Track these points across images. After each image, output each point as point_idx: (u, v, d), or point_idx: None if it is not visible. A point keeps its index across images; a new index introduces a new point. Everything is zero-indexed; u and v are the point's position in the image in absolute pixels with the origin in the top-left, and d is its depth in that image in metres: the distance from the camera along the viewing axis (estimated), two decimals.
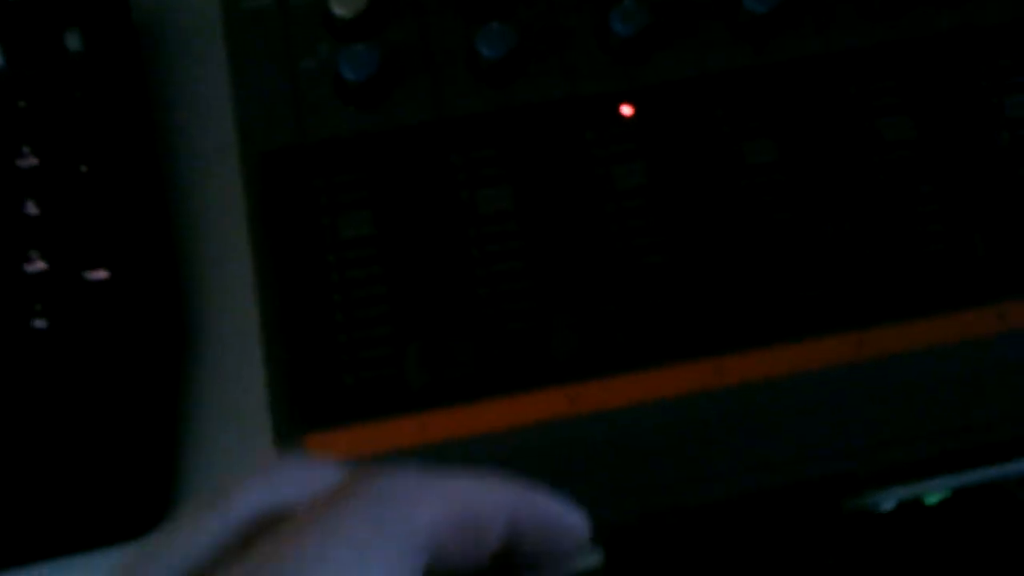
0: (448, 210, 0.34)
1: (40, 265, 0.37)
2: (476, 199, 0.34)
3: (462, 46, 0.36)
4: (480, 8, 0.36)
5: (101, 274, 0.37)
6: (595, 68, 0.36)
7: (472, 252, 0.34)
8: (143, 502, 0.36)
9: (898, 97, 0.35)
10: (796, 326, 0.33)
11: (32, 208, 0.38)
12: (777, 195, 0.34)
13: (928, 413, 0.33)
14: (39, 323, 0.37)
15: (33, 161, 0.39)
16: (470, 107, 0.35)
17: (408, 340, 0.33)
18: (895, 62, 0.36)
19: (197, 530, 0.19)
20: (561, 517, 0.21)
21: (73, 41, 0.40)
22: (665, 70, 0.36)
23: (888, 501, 0.38)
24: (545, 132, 0.35)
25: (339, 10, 0.35)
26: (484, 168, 0.34)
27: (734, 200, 0.34)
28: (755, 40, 0.36)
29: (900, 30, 0.36)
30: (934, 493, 0.39)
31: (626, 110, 0.35)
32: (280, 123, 0.35)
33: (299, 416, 0.32)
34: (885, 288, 0.33)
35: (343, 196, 0.34)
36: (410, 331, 0.33)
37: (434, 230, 0.34)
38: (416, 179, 0.34)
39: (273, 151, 0.35)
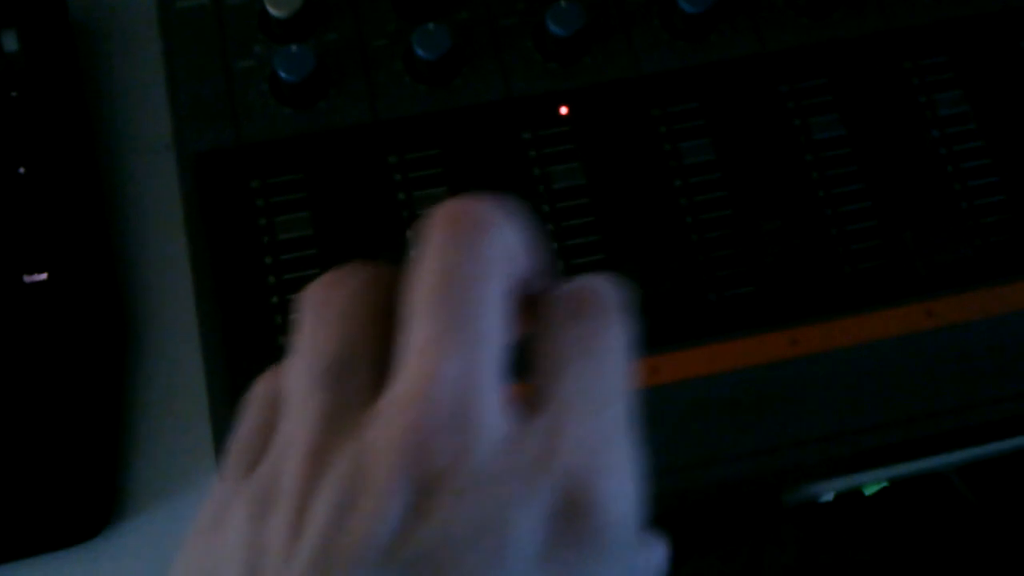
0: (386, 211, 0.34)
1: None
2: (413, 200, 0.34)
3: (399, 46, 0.36)
4: (416, 9, 0.36)
5: (40, 276, 0.37)
6: (532, 68, 0.36)
7: (409, 254, 0.34)
8: (87, 506, 0.36)
9: (828, 95, 0.36)
10: (721, 325, 0.33)
11: None
12: (712, 193, 0.34)
13: (865, 406, 0.34)
14: None
15: None
16: (407, 108, 0.35)
17: None
18: (826, 61, 0.36)
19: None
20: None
21: (9, 41, 0.39)
22: (600, 70, 0.36)
23: (827, 493, 0.39)
24: (482, 132, 0.35)
25: (274, 10, 0.35)
26: (421, 169, 0.35)
27: (669, 199, 0.34)
28: (690, 40, 0.36)
29: (829, 30, 0.37)
30: (872, 484, 0.40)
31: (563, 110, 0.35)
32: (216, 123, 0.35)
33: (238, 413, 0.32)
34: (815, 286, 0.34)
35: (280, 197, 0.34)
36: None
37: (372, 231, 0.34)
38: (354, 180, 0.34)
39: (208, 152, 0.34)
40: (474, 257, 0.20)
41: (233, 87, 0.35)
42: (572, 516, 0.19)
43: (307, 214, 0.34)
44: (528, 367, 0.21)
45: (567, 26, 0.35)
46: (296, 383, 0.21)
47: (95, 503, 0.36)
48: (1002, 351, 0.34)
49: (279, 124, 0.35)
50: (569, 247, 0.34)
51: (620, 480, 0.20)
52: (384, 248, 0.34)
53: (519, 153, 0.35)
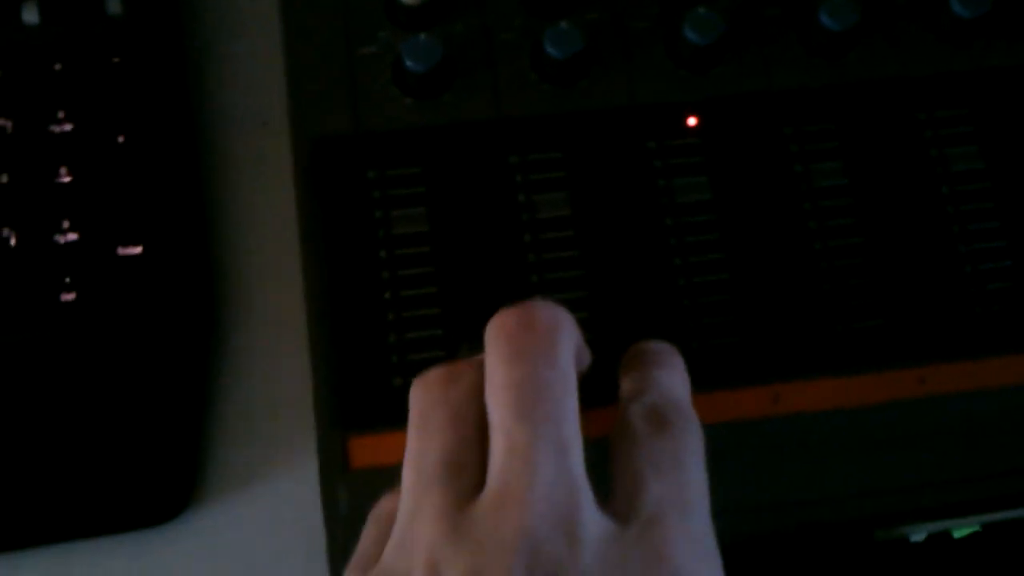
0: (504, 212, 0.33)
1: (71, 236, 0.36)
2: (533, 202, 0.33)
3: (527, 43, 0.35)
4: (548, 6, 0.35)
5: (134, 249, 0.36)
6: (661, 76, 0.35)
7: (527, 256, 0.33)
8: (166, 487, 0.35)
9: (968, 126, 0.35)
10: (855, 360, 0.32)
11: (65, 176, 0.37)
12: (843, 220, 0.33)
13: (967, 456, 0.33)
14: (67, 296, 0.36)
15: (67, 127, 0.37)
16: (532, 107, 0.34)
17: (459, 342, 0.32)
18: (966, 91, 0.35)
19: None
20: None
21: (113, 4, 0.38)
22: (733, 83, 0.35)
23: (919, 534, 0.38)
24: (606, 138, 0.34)
25: None
26: (543, 171, 0.33)
27: (798, 221, 0.33)
28: (828, 58, 0.35)
29: (972, 59, 0.35)
30: (964, 528, 0.39)
31: (691, 121, 0.34)
32: (335, 109, 0.34)
33: (344, 417, 0.31)
34: (944, 325, 0.33)
35: (397, 190, 0.33)
36: (461, 333, 0.32)
37: (489, 231, 0.33)
38: (473, 178, 0.33)
39: (327, 138, 0.33)
40: (556, 366, 0.23)
41: (355, 73, 0.34)
42: None
43: (423, 209, 0.33)
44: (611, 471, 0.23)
45: (705, 34, 0.34)
46: (412, 485, 0.23)
47: (175, 485, 0.35)
48: (993, 425, 0.32)
49: (400, 114, 0.34)
50: (692, 264, 0.33)
51: None
52: (499, 249, 0.33)
53: (643, 162, 0.34)
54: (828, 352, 0.32)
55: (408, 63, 0.33)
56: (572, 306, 0.32)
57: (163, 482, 0.35)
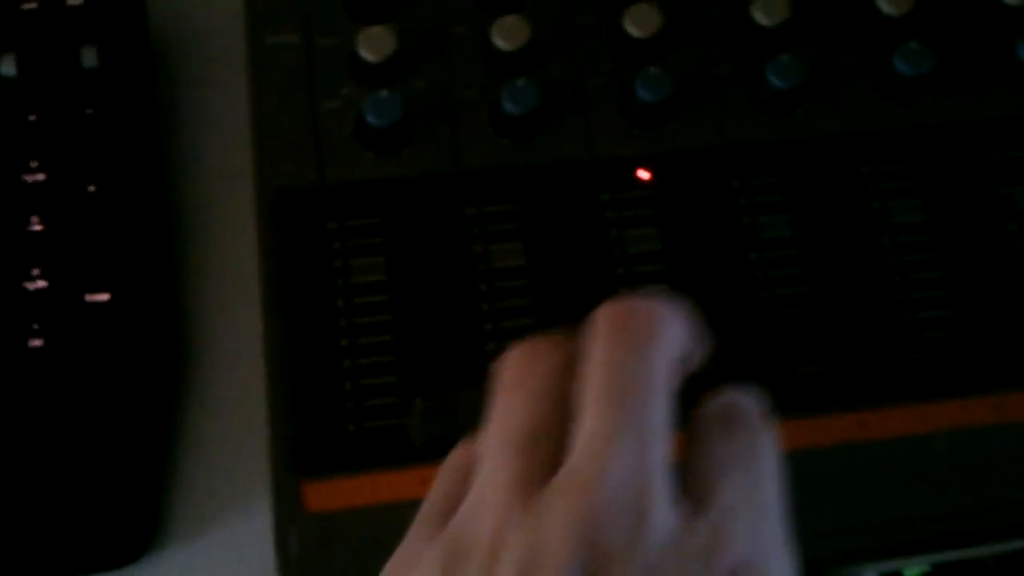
0: (461, 262, 0.34)
1: (41, 283, 0.37)
2: (489, 253, 0.34)
3: (486, 99, 0.36)
4: (507, 63, 0.36)
5: (102, 296, 0.37)
6: (615, 131, 0.36)
7: (482, 306, 0.34)
8: (128, 531, 0.36)
9: (910, 181, 0.36)
10: (795, 403, 0.33)
11: (36, 224, 0.38)
12: (789, 270, 0.34)
13: (916, 497, 0.34)
14: (36, 342, 0.36)
15: (40, 176, 0.38)
16: (489, 160, 0.35)
17: (413, 392, 0.33)
18: (909, 146, 0.36)
19: None
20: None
21: (89, 57, 0.39)
22: (684, 138, 0.36)
23: (870, 573, 0.38)
24: (561, 191, 0.35)
25: (366, 54, 0.35)
26: (498, 223, 0.35)
27: (744, 271, 0.34)
28: (776, 114, 0.36)
29: (915, 115, 0.37)
30: (914, 567, 0.39)
31: (643, 175, 0.35)
32: (298, 161, 0.35)
33: (299, 462, 0.32)
34: (885, 371, 0.34)
35: (357, 241, 0.34)
36: (416, 383, 0.33)
37: (446, 282, 0.34)
38: (431, 229, 0.34)
39: (290, 189, 0.34)
40: (650, 360, 0.23)
41: (318, 127, 0.35)
42: None
43: (382, 259, 0.34)
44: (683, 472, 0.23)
45: (656, 92, 0.35)
46: (493, 448, 0.23)
47: (137, 528, 0.36)
48: (933, 468, 0.33)
49: (361, 167, 0.35)
50: None
51: (784, 573, 0.23)
52: (455, 299, 0.34)
53: (596, 214, 0.35)
54: (771, 397, 0.33)
55: (370, 118, 0.34)
56: None
57: (125, 526, 0.36)
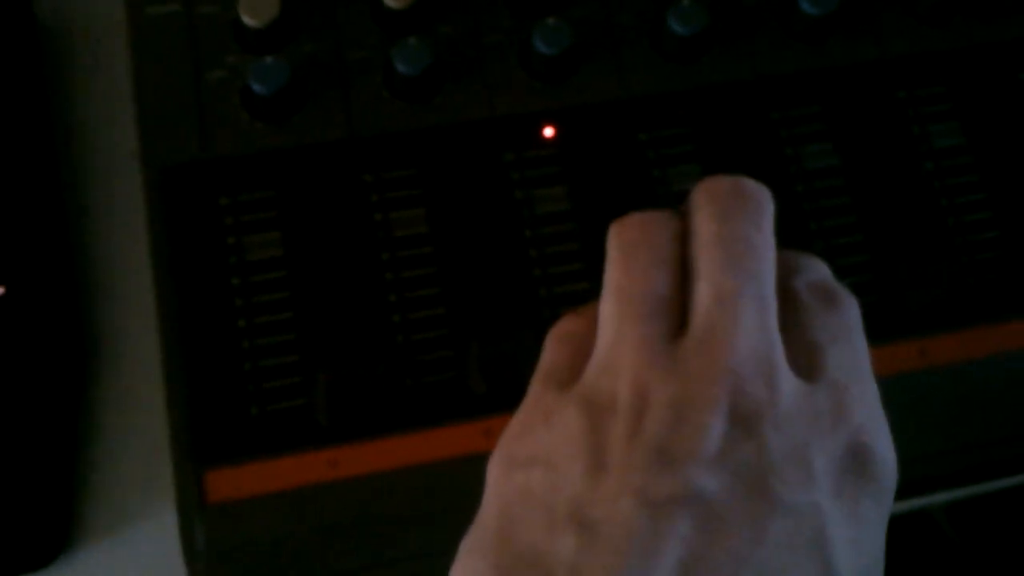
0: (361, 233, 0.33)
1: None
2: (390, 221, 0.33)
3: (378, 60, 0.34)
4: (397, 22, 0.34)
5: None
6: (516, 88, 0.34)
7: (385, 277, 0.32)
8: (41, 532, 0.34)
9: (821, 123, 0.35)
10: None
11: None
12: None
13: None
14: None
15: None
16: (385, 125, 0.34)
17: (316, 370, 0.31)
18: (819, 89, 0.35)
19: None
20: None
21: None
22: (587, 92, 0.35)
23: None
24: (462, 153, 0.34)
25: (249, 19, 0.33)
26: (398, 189, 0.33)
27: None
28: (681, 62, 0.35)
29: (824, 58, 0.36)
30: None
31: (547, 131, 0.34)
32: (184, 136, 0.33)
33: (200, 450, 0.30)
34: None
35: (250, 215, 0.32)
36: (319, 361, 0.31)
37: (346, 253, 0.32)
38: (327, 199, 0.33)
39: (176, 165, 0.33)
40: (762, 231, 0.24)
41: (203, 99, 0.34)
42: (859, 463, 0.23)
43: (277, 234, 0.32)
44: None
45: (555, 45, 0.33)
46: (618, 315, 0.24)
47: (49, 530, 0.35)
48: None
49: (251, 139, 0.33)
50: (552, 275, 0.33)
51: (888, 441, 0.24)
52: (357, 271, 0.32)
53: (501, 175, 0.34)
54: None
55: (256, 86, 0.33)
56: (428, 324, 0.31)
57: (37, 527, 0.34)
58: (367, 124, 0.34)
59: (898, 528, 0.40)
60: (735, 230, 0.24)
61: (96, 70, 0.40)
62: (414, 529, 0.30)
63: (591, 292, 0.32)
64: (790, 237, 0.32)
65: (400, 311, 0.32)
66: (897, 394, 0.32)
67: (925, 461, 0.32)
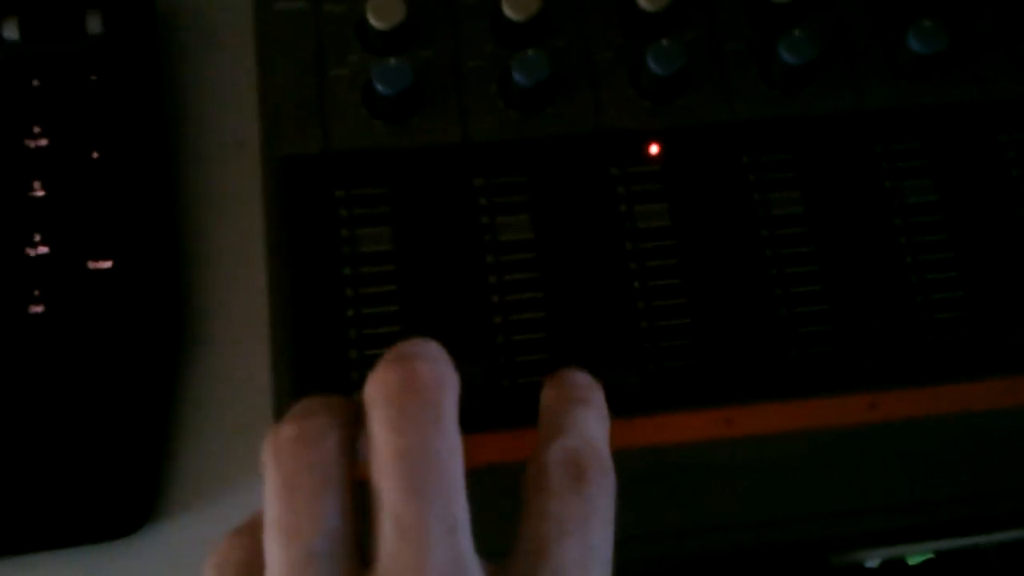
0: (467, 234, 0.34)
1: (42, 249, 0.37)
2: (496, 225, 0.34)
3: (495, 70, 0.35)
4: (517, 33, 0.35)
5: (104, 264, 0.37)
6: (626, 104, 0.35)
7: (488, 279, 0.33)
8: (129, 500, 0.35)
9: (922, 160, 0.36)
10: (807, 384, 0.33)
11: (39, 190, 0.37)
12: (800, 248, 0.34)
13: (922, 481, 0.33)
14: (36, 308, 0.36)
15: (43, 142, 0.38)
16: (498, 133, 0.35)
17: None
18: (921, 125, 0.36)
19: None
20: None
21: (93, 23, 0.39)
22: (694, 113, 0.36)
23: (874, 559, 0.38)
24: (570, 164, 0.35)
25: (375, 22, 0.34)
26: (505, 195, 0.34)
27: (754, 248, 0.34)
28: (787, 91, 0.36)
29: (928, 95, 0.36)
30: (918, 555, 0.39)
31: (653, 149, 0.35)
32: (305, 129, 0.34)
33: None
34: (896, 352, 0.33)
35: (364, 209, 0.34)
36: None
37: (452, 252, 0.33)
38: (438, 199, 0.34)
39: (296, 156, 0.34)
40: (444, 432, 0.22)
41: (325, 94, 0.35)
42: None
43: (388, 229, 0.33)
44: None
45: (667, 65, 0.34)
46: (287, 561, 0.21)
47: (137, 498, 0.36)
48: (940, 453, 0.33)
49: (368, 136, 0.34)
50: (651, 288, 0.34)
51: None
52: (461, 270, 0.33)
53: (606, 188, 0.35)
54: (781, 376, 0.33)
55: (378, 86, 0.34)
56: (530, 327, 0.32)
57: (126, 495, 0.35)
58: (480, 130, 0.35)
59: (956, 564, 0.40)
60: (412, 441, 0.22)
61: (210, 56, 0.41)
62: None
63: (688, 307, 0.33)
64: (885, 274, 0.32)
65: (501, 312, 0.33)
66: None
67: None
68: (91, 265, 0.37)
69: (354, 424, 0.24)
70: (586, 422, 0.26)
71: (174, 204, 0.39)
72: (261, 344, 0.36)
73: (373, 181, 0.34)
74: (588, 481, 0.24)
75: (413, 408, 0.22)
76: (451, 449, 0.23)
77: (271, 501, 0.23)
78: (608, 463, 0.25)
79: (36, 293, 0.36)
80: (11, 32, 0.39)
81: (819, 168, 0.35)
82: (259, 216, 0.36)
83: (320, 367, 0.32)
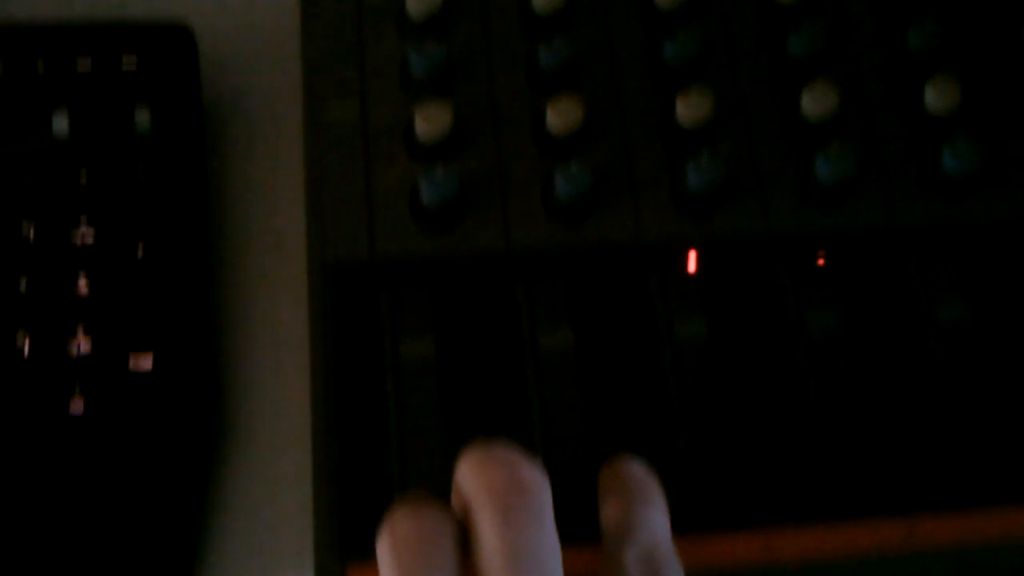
0: (508, 344, 0.34)
1: (84, 347, 0.37)
2: (536, 337, 0.34)
3: (538, 179, 0.36)
4: (559, 144, 0.36)
5: (145, 364, 0.37)
6: (665, 216, 0.36)
7: (528, 391, 0.34)
8: None
9: (958, 279, 0.36)
10: (843, 508, 0.33)
11: (83, 286, 0.38)
12: (838, 367, 0.34)
13: None
14: (76, 408, 0.36)
15: (89, 237, 0.38)
16: (540, 242, 0.35)
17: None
18: (953, 248, 0.36)
19: None
20: None
21: (142, 119, 0.40)
22: (732, 226, 0.36)
23: None
24: (609, 275, 0.35)
25: (422, 132, 0.35)
26: (547, 305, 0.35)
27: (792, 366, 0.34)
28: (823, 208, 0.36)
29: (963, 213, 0.37)
30: None
31: (691, 263, 0.36)
32: (351, 236, 0.35)
33: (344, 542, 0.31)
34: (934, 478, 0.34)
35: (407, 317, 0.34)
36: None
37: (493, 363, 0.34)
38: (480, 309, 0.34)
39: (345, 264, 0.35)
40: (545, 531, 0.24)
41: (372, 202, 0.35)
42: None
43: (431, 337, 0.34)
44: None
45: (706, 180, 0.35)
46: None
47: None
48: None
49: (414, 243, 0.35)
50: (688, 404, 0.34)
51: None
52: (503, 381, 0.34)
53: (645, 300, 0.35)
54: (818, 499, 0.33)
55: (424, 196, 0.34)
56: (571, 441, 0.33)
57: None
58: (523, 240, 0.35)
59: None
60: (520, 540, 0.24)
61: (257, 154, 0.42)
62: None
63: (725, 425, 0.33)
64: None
65: (542, 426, 0.33)
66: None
67: None
68: (132, 365, 0.37)
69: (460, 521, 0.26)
70: (654, 519, 0.27)
71: (214, 304, 0.40)
72: (300, 447, 0.37)
73: (417, 288, 0.34)
74: None
75: (518, 506, 0.24)
76: (554, 548, 0.25)
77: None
78: (678, 559, 0.27)
79: (76, 391, 0.36)
80: (60, 126, 0.39)
81: (855, 285, 0.36)
82: (296, 317, 0.37)
83: (361, 475, 0.32)
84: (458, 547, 0.25)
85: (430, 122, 0.35)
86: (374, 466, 0.32)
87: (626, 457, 0.30)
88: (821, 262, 0.35)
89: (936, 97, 0.37)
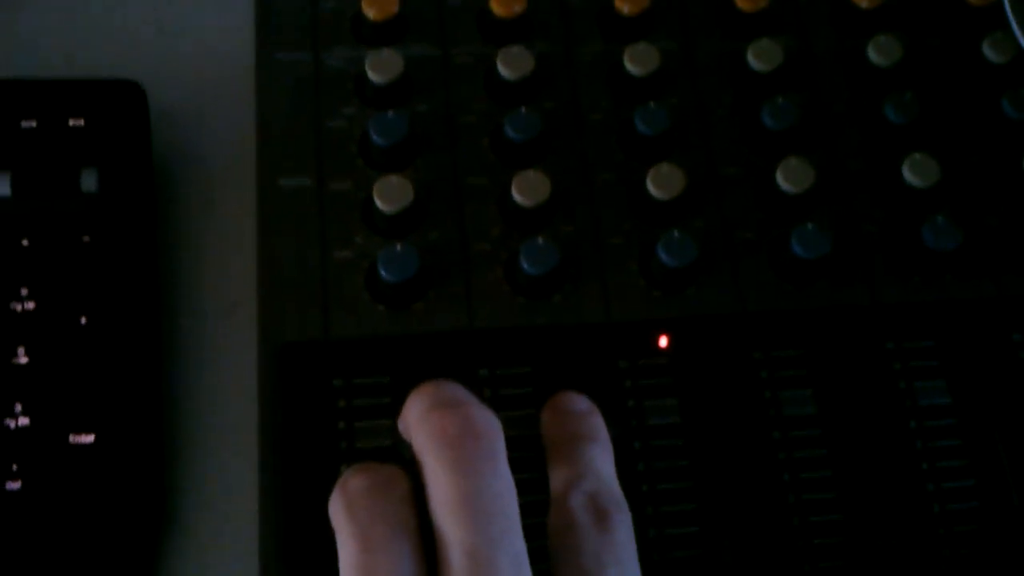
0: None
1: (23, 420, 0.35)
2: (502, 417, 0.33)
3: (503, 256, 0.35)
4: (525, 218, 0.35)
5: (86, 438, 0.35)
6: (635, 294, 0.35)
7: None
8: None
9: (936, 359, 0.35)
10: None
11: (22, 356, 0.36)
12: (813, 451, 0.33)
13: None
14: (12, 485, 0.34)
15: (30, 305, 0.37)
16: (504, 319, 0.34)
17: None
18: (935, 322, 0.35)
19: None
20: None
21: (88, 181, 0.38)
22: (704, 303, 0.35)
23: None
24: (577, 356, 0.34)
25: (382, 205, 0.34)
26: (512, 386, 0.33)
27: (766, 449, 0.33)
28: (798, 284, 0.35)
29: (942, 291, 0.36)
30: None
31: (662, 341, 0.34)
32: (305, 312, 0.33)
33: None
34: (913, 566, 0.32)
35: (363, 400, 0.32)
36: None
37: None
38: None
39: (296, 343, 0.33)
40: (499, 474, 0.24)
41: (327, 277, 0.34)
42: None
43: (388, 422, 0.32)
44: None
45: (678, 257, 0.34)
46: None
47: None
48: None
49: (370, 322, 0.33)
50: (660, 491, 0.32)
51: None
52: None
53: (613, 381, 0.34)
54: None
55: (383, 272, 0.33)
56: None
57: None
58: (486, 317, 0.34)
59: None
60: (477, 483, 0.24)
61: (209, 218, 0.40)
62: None
63: (696, 513, 0.32)
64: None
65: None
66: None
67: None
68: (73, 439, 0.35)
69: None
70: (598, 460, 0.27)
71: (160, 374, 0.38)
72: (248, 523, 0.35)
73: (374, 370, 0.33)
74: (612, 519, 0.26)
75: (472, 451, 0.24)
76: (510, 490, 0.24)
77: (348, 551, 0.24)
78: (623, 499, 0.27)
79: (14, 467, 0.34)
80: (3, 188, 0.38)
81: (831, 365, 0.34)
82: (247, 389, 0.35)
83: (309, 563, 0.30)
84: (411, 497, 0.25)
85: (389, 195, 0.34)
86: (321, 551, 0.30)
87: (568, 392, 0.30)
88: (664, 345, 0.34)
89: (915, 173, 0.36)
